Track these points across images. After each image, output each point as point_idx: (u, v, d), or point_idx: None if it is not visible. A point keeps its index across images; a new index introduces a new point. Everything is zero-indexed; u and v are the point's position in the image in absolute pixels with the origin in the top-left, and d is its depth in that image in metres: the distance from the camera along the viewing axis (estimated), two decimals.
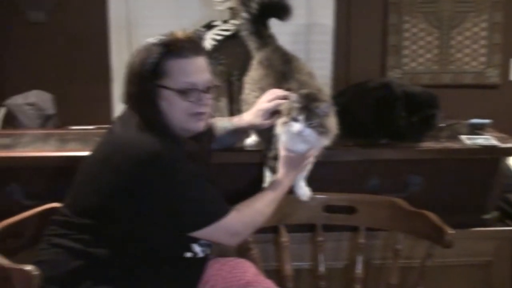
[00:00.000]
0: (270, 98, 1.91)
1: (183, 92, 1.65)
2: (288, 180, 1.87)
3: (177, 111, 1.66)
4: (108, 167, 1.64)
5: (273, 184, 1.86)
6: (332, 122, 1.82)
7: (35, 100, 3.15)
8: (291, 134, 1.79)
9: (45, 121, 3.14)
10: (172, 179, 1.62)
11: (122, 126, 1.71)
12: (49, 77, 3.57)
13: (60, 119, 3.24)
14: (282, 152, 1.85)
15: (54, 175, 2.14)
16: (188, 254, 1.73)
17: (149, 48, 1.67)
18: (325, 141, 1.83)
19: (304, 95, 1.79)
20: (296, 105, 1.77)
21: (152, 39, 1.70)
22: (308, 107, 1.76)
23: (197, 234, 1.68)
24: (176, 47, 1.65)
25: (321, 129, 1.77)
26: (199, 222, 1.66)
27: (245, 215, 1.75)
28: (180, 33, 1.69)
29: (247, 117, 1.97)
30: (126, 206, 1.62)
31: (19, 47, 3.60)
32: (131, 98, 1.69)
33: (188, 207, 1.65)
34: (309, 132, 1.77)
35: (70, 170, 2.11)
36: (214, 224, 1.67)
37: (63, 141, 2.44)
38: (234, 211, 1.71)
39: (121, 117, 1.76)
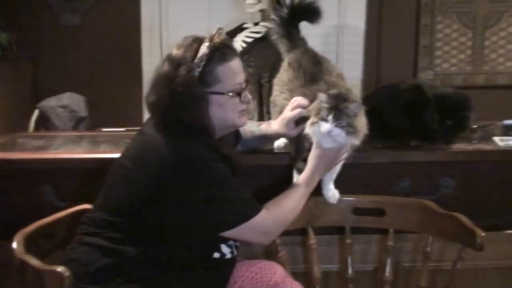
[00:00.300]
0: (293, 106, 1.92)
1: (237, 94, 1.72)
2: (318, 175, 1.87)
3: (229, 112, 1.73)
4: (141, 168, 1.67)
5: (302, 180, 1.86)
6: (361, 122, 1.81)
7: (68, 102, 3.20)
8: (320, 134, 1.78)
9: (78, 123, 3.19)
10: (204, 179, 1.64)
11: (154, 128, 1.72)
12: (82, 79, 3.64)
13: (92, 121, 3.29)
14: (314, 147, 1.85)
15: (86, 177, 2.17)
16: (216, 255, 1.74)
17: (191, 57, 1.67)
18: (355, 141, 1.82)
19: (334, 95, 1.79)
20: (325, 105, 1.77)
21: (188, 47, 1.69)
22: (337, 107, 1.76)
23: (228, 234, 1.69)
24: (221, 53, 1.69)
25: (350, 129, 1.77)
26: (230, 222, 1.68)
27: (276, 214, 1.76)
28: (216, 38, 1.70)
29: (274, 125, 1.99)
30: (158, 207, 1.64)
31: (53, 50, 3.67)
32: (172, 106, 1.67)
33: (219, 207, 1.66)
34: (338, 132, 1.77)
35: (102, 172, 2.14)
36: (245, 223, 1.68)
37: (95, 143, 2.48)
38: (264, 210, 1.72)
39: (151, 119, 1.78)
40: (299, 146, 1.95)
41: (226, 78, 1.69)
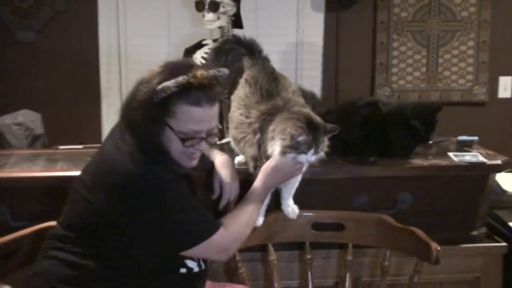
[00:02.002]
0: (227, 190, 1.89)
1: (183, 138, 1.63)
2: (270, 187, 1.87)
3: (173, 148, 1.65)
4: (98, 188, 1.64)
5: (255, 191, 1.85)
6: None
7: (23, 119, 3.14)
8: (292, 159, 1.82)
9: (34, 140, 3.13)
10: (160, 200, 1.62)
11: (114, 145, 1.69)
12: (38, 96, 3.57)
13: (48, 139, 3.23)
14: (270, 160, 1.85)
15: (42, 196, 2.12)
16: (183, 270, 1.71)
17: (167, 75, 1.60)
18: (319, 156, 1.86)
19: (306, 128, 1.79)
20: (305, 140, 1.77)
21: (175, 70, 1.62)
22: (315, 139, 1.79)
23: (186, 253, 1.68)
24: (195, 95, 1.60)
25: (320, 150, 1.83)
26: (188, 242, 1.66)
27: (233, 230, 1.74)
28: (199, 76, 1.60)
29: (216, 160, 1.96)
30: (116, 227, 1.62)
31: (8, 67, 3.60)
32: (134, 120, 1.64)
33: (177, 227, 1.64)
34: (315, 158, 1.82)
35: (58, 190, 2.10)
36: (204, 243, 1.66)
37: (52, 161, 2.43)
38: (222, 228, 1.71)
39: (113, 135, 1.75)
40: (257, 163, 1.95)
41: (185, 120, 1.61)
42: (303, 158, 1.80)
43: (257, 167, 1.94)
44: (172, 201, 1.63)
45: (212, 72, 1.64)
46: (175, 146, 1.65)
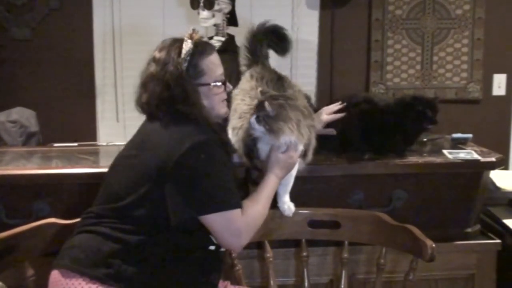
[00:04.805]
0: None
1: (222, 84, 1.85)
2: (278, 179, 1.90)
3: (216, 102, 1.84)
4: (146, 151, 1.73)
5: (269, 185, 1.88)
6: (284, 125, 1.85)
7: (17, 117, 3.12)
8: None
9: (28, 138, 3.12)
10: (205, 160, 1.68)
11: (154, 121, 1.78)
12: (33, 94, 3.55)
13: (43, 137, 3.22)
14: (271, 153, 1.89)
15: (37, 193, 2.12)
16: (212, 247, 1.77)
17: (177, 54, 1.78)
18: (300, 145, 1.88)
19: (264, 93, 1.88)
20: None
21: (171, 47, 1.81)
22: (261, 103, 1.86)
23: (207, 218, 1.70)
24: (202, 48, 1.82)
25: (268, 127, 1.83)
26: (216, 205, 1.70)
27: (249, 215, 1.77)
28: (194, 35, 1.83)
29: None
30: (158, 186, 1.68)
31: (2, 64, 3.58)
32: (167, 100, 1.76)
33: (213, 187, 1.70)
34: (258, 127, 1.84)
35: (53, 188, 2.10)
36: (227, 212, 1.70)
37: (47, 159, 2.43)
38: (239, 209, 1.74)
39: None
40: (251, 152, 1.96)
41: (209, 70, 1.81)
42: (253, 123, 1.85)
43: (249, 154, 1.96)
44: (215, 164, 1.71)
45: (192, 30, 1.85)
46: (216, 99, 1.84)
